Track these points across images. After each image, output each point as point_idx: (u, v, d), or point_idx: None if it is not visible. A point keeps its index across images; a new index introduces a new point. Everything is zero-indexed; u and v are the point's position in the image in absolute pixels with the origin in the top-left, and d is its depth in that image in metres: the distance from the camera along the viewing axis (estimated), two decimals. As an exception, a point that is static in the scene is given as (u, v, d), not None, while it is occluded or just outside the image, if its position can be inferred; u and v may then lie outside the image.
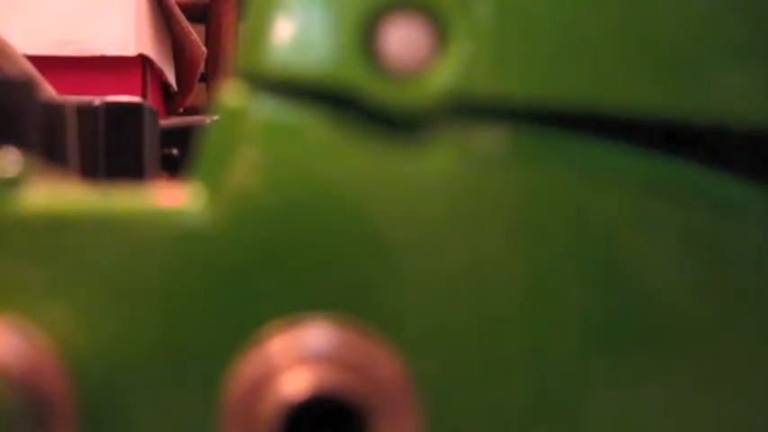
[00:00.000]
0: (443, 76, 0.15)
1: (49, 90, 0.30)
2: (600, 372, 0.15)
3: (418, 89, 0.15)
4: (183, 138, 0.38)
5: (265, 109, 0.16)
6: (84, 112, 0.27)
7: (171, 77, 0.84)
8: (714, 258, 0.15)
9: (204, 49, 0.88)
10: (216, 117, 0.16)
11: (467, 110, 0.15)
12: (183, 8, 0.83)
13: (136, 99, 0.29)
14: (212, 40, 1.00)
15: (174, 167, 0.38)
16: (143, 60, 0.74)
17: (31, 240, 0.16)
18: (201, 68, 0.90)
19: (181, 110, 0.91)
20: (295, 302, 0.15)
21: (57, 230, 0.16)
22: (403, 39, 0.15)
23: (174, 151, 0.38)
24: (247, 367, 0.15)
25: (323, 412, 0.15)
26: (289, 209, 0.15)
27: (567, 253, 0.15)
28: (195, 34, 0.86)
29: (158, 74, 0.80)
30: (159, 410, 0.15)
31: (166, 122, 0.39)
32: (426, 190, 0.15)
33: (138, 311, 0.15)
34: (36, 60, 0.34)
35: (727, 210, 0.16)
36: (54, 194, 0.16)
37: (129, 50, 0.73)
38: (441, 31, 0.15)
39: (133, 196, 0.16)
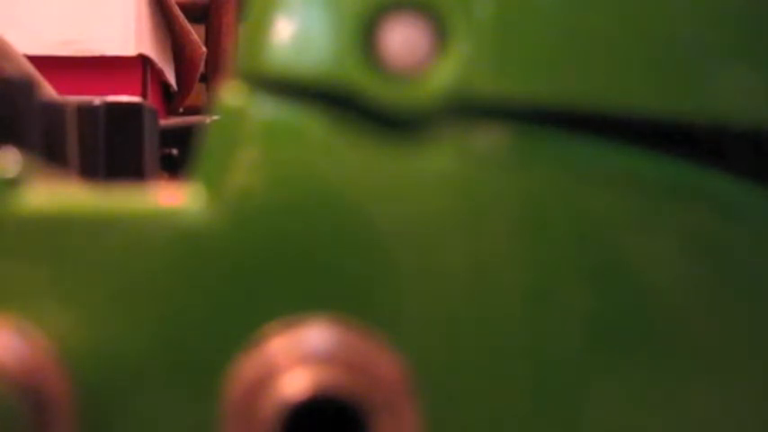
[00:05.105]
0: (443, 76, 0.15)
1: (49, 90, 0.30)
2: (600, 372, 0.15)
3: (418, 89, 0.15)
4: (183, 138, 0.38)
5: (265, 109, 0.16)
6: (84, 112, 0.27)
7: (171, 77, 0.85)
8: (714, 258, 0.15)
9: (204, 49, 0.88)
10: (216, 117, 0.16)
11: (467, 110, 0.15)
12: (183, 8, 0.83)
13: (136, 99, 0.29)
14: (212, 40, 1.00)
15: (174, 167, 0.38)
16: (143, 60, 0.74)
17: (31, 240, 0.16)
18: (201, 68, 0.90)
19: (181, 110, 0.91)
20: (295, 302, 0.15)
21: (57, 230, 0.16)
22: (403, 39, 0.15)
23: (174, 151, 0.38)
24: (247, 367, 0.15)
25: (323, 412, 0.15)
26: (289, 209, 0.15)
27: (566, 253, 0.15)
28: (195, 34, 0.86)
29: (158, 74, 0.80)
30: (159, 410, 0.15)
31: (166, 122, 0.39)
32: (426, 190, 0.15)
33: (138, 311, 0.15)
34: (36, 60, 0.34)
35: (727, 210, 0.16)
36: (54, 194, 0.16)
37: (129, 50, 0.73)
38: (441, 31, 0.15)
39: (133, 196, 0.16)
